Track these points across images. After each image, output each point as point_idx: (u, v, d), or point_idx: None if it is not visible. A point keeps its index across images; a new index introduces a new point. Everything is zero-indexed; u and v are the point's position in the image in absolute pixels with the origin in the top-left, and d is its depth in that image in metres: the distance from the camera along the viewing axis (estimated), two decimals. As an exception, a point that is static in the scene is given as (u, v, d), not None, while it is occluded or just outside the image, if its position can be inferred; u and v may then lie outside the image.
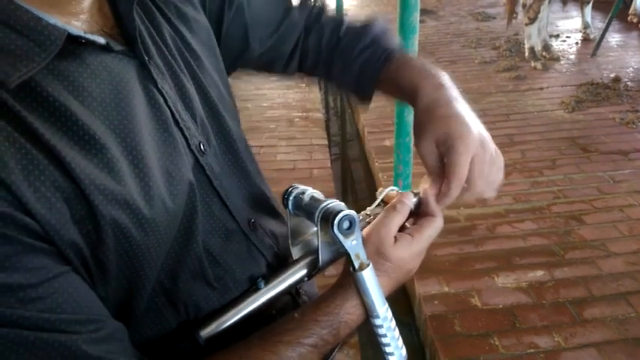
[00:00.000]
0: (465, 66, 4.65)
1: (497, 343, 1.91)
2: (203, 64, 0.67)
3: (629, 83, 4.05)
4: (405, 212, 0.62)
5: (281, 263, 0.69)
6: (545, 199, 2.74)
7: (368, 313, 0.59)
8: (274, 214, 0.73)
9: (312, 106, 4.12)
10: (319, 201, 0.60)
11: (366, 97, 0.83)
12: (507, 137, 3.39)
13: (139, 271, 0.52)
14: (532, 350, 1.87)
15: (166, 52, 0.62)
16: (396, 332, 0.61)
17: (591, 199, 2.73)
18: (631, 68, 4.37)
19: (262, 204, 0.70)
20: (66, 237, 0.45)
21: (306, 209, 0.61)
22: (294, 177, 3.09)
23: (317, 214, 0.58)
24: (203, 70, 0.66)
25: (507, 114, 3.71)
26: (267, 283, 0.62)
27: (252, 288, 0.62)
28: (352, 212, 0.57)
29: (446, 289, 2.18)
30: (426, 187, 0.66)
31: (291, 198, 0.63)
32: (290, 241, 0.67)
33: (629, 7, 5.47)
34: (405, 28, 2.11)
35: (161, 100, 0.57)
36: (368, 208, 0.66)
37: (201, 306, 0.61)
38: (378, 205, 0.67)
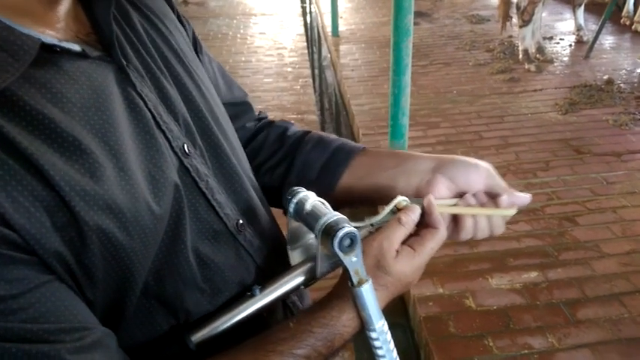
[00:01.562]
0: (459, 68, 4.67)
1: (491, 344, 1.92)
2: (185, 66, 0.66)
3: (622, 85, 4.07)
4: (410, 226, 0.62)
5: (270, 265, 0.69)
6: (538, 200, 2.75)
7: (364, 326, 0.59)
8: (264, 215, 0.72)
9: (307, 108, 4.13)
10: (321, 213, 0.59)
11: (336, 175, 0.77)
12: (501, 139, 3.41)
13: (126, 274, 0.52)
14: (526, 351, 1.88)
15: (145, 55, 0.61)
16: (392, 345, 0.60)
17: (585, 200, 2.74)
18: (624, 70, 4.39)
19: (251, 205, 0.69)
20: (47, 246, 0.45)
21: (306, 218, 0.60)
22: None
23: (318, 227, 0.57)
24: (184, 72, 0.65)
25: (501, 116, 3.73)
26: (262, 289, 0.61)
27: (248, 294, 0.61)
28: (354, 229, 0.56)
29: (440, 290, 2.19)
30: (430, 196, 0.65)
31: (292, 203, 0.62)
32: (288, 246, 0.66)
33: (622, 10, 5.51)
34: (399, 31, 2.12)
35: (141, 104, 0.56)
36: (373, 217, 0.64)
37: (191, 308, 0.60)
38: (386, 215, 0.65)
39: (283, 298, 0.64)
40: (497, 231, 0.69)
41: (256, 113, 0.88)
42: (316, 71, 5.57)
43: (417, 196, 0.68)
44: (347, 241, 0.55)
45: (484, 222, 0.68)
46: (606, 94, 3.90)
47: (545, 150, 3.24)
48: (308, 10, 7.49)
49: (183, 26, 0.73)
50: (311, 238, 0.66)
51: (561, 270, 2.26)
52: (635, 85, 4.09)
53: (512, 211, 0.68)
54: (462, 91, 4.17)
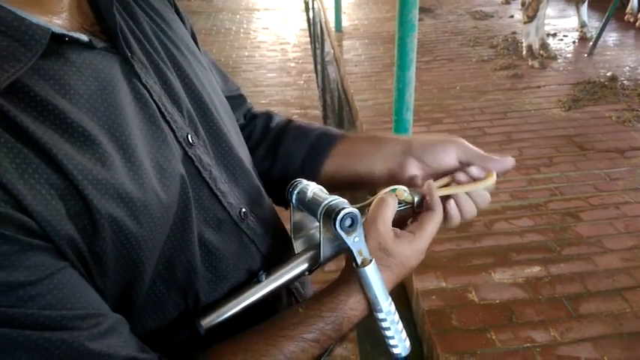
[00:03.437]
0: (462, 64, 4.67)
1: (493, 337, 1.93)
2: (185, 57, 0.67)
3: (625, 82, 4.07)
4: (395, 200, 0.64)
5: (274, 252, 0.70)
6: (542, 196, 2.76)
7: (372, 308, 0.60)
8: (266, 203, 0.74)
9: (310, 103, 4.14)
10: (322, 197, 0.61)
11: (318, 164, 0.79)
12: (505, 135, 3.41)
13: (136, 262, 0.53)
14: (528, 345, 1.90)
15: (148, 46, 0.62)
16: (400, 325, 0.62)
17: (588, 196, 2.75)
18: (627, 67, 4.39)
19: (254, 194, 0.71)
20: (62, 232, 0.46)
21: (309, 205, 0.62)
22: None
23: (319, 210, 0.60)
24: (186, 63, 0.66)
25: (505, 112, 3.73)
26: (268, 275, 0.63)
27: (254, 280, 0.63)
28: (354, 209, 0.58)
29: (443, 284, 2.20)
30: (430, 181, 0.66)
31: (295, 193, 0.64)
32: (292, 235, 0.68)
33: (625, 7, 5.50)
34: (403, 26, 2.12)
35: (146, 95, 0.57)
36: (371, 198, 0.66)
37: (200, 295, 0.62)
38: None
39: (288, 285, 0.65)
40: (483, 205, 0.70)
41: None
42: (319, 67, 5.57)
43: (392, 178, 0.73)
44: (348, 221, 0.57)
45: (467, 201, 0.69)
46: (609, 91, 3.90)
47: (548, 146, 3.24)
48: (311, 6, 7.47)
49: (183, 21, 0.74)
50: (313, 228, 0.67)
51: (564, 265, 2.27)
52: (639, 81, 4.08)
53: (492, 180, 0.68)
54: (465, 87, 4.17)
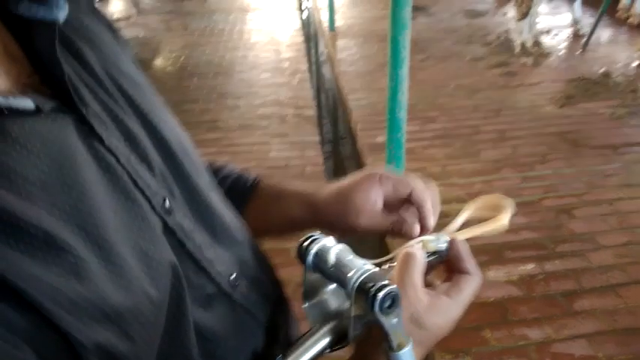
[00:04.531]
0: (456, 62, 4.67)
1: (488, 335, 1.93)
2: (143, 92, 0.54)
3: (618, 78, 4.09)
4: (423, 256, 0.54)
5: (274, 319, 0.62)
6: (535, 193, 2.77)
7: None
8: (255, 259, 0.63)
9: (304, 103, 4.13)
10: (351, 266, 0.50)
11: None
12: (498, 132, 3.41)
13: None
14: (523, 342, 1.90)
15: (102, 93, 0.48)
16: None
17: (581, 193, 2.75)
18: (620, 63, 4.40)
19: (241, 251, 0.60)
20: None
21: (332, 272, 0.52)
22: (287, 174, 3.10)
23: (351, 284, 0.49)
24: (144, 100, 0.53)
25: (498, 109, 3.74)
26: (284, 357, 0.51)
27: None
28: (394, 287, 0.47)
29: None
30: (455, 235, 0.58)
31: (312, 253, 0.53)
32: (306, 302, 0.57)
33: (618, 3, 5.52)
34: (396, 24, 2.12)
35: (113, 161, 0.45)
36: (389, 261, 0.57)
37: None
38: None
39: None
40: None
41: None
42: (313, 67, 5.57)
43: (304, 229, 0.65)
44: (388, 302, 0.47)
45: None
46: (603, 88, 3.92)
47: (541, 143, 3.25)
48: (305, 6, 7.47)
49: (123, 45, 0.60)
50: (327, 290, 0.57)
51: (558, 262, 2.28)
52: (632, 78, 4.10)
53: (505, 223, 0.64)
54: (459, 85, 4.18)
